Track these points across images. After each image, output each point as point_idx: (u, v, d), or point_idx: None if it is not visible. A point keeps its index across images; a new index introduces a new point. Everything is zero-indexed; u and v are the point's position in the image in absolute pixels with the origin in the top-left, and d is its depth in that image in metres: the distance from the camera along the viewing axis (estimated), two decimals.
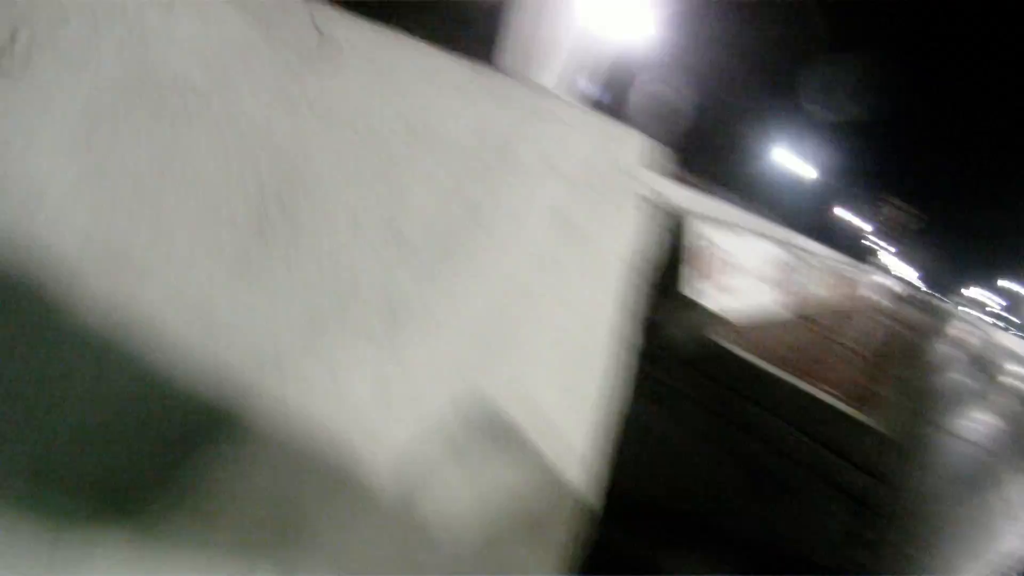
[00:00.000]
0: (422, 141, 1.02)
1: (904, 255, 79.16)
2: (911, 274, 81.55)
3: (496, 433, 1.15)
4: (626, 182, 1.38)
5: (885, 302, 25.59)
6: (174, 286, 0.87)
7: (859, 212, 55.16)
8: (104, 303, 0.83)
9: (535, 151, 1.16)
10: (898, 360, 9.92)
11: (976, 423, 7.29)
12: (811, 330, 8.94)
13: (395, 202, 1.00)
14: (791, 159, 40.82)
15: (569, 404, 1.29)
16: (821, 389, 5.42)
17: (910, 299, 50.22)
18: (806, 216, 46.70)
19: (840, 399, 5.37)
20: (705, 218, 7.11)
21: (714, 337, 5.38)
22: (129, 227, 0.84)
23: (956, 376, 12.18)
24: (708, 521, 2.62)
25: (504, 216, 1.10)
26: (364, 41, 1.03)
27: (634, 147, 1.43)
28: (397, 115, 1.00)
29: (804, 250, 12.90)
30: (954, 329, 31.57)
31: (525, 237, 1.16)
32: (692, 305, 5.67)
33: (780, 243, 10.03)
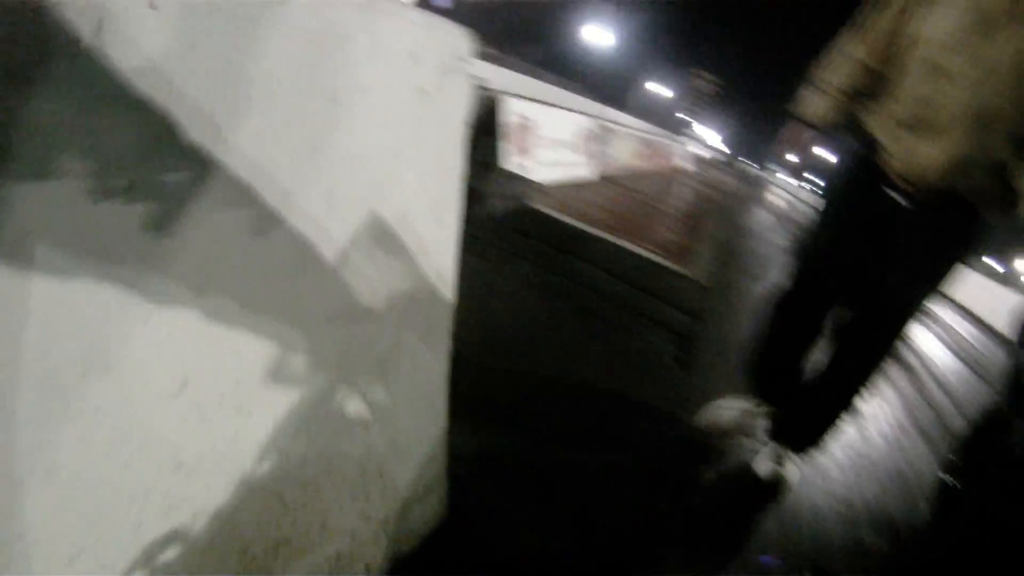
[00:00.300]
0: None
1: (718, 125, 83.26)
2: (724, 143, 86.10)
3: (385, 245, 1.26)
4: (453, 66, 1.40)
5: (697, 169, 26.89)
6: None
7: (671, 86, 57.11)
8: None
9: (374, 40, 1.14)
10: (709, 220, 10.50)
11: (775, 269, 7.84)
12: (627, 196, 9.25)
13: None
14: (605, 37, 41.41)
15: (436, 230, 1.40)
16: (640, 246, 5.63)
17: (721, 166, 53.18)
18: (619, 91, 47.81)
19: (658, 253, 5.62)
20: (521, 97, 7.20)
21: (535, 205, 5.42)
22: None
23: (761, 232, 13.07)
24: (546, 358, 2.79)
25: (360, 93, 1.10)
26: None
27: (455, 35, 1.45)
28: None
29: (617, 123, 13.22)
30: (764, 192, 33.88)
31: (381, 107, 1.19)
32: (511, 176, 5.70)
33: (594, 118, 10.21)
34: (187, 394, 0.91)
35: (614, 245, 5.40)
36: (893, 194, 2.29)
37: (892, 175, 2.29)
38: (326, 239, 1.12)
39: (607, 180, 9.92)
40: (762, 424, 2.67)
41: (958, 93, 2.10)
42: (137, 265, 0.80)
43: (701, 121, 69.42)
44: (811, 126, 2.52)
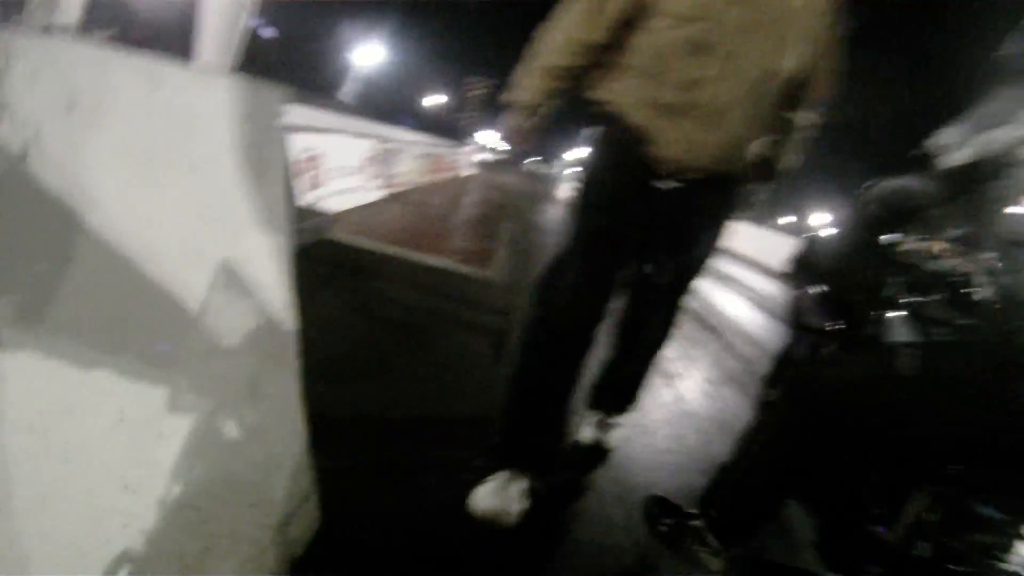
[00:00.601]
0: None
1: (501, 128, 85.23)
2: (503, 144, 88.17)
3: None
4: (269, 120, 1.65)
5: (484, 174, 27.75)
6: None
7: (450, 95, 58.25)
8: None
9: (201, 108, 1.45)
10: (502, 222, 11.10)
11: None
12: (419, 212, 9.69)
13: None
14: (376, 55, 41.47)
15: (273, 270, 1.65)
16: (439, 258, 6.08)
17: (509, 167, 54.73)
18: (399, 108, 48.09)
19: (456, 261, 6.10)
20: (307, 131, 7.37)
21: (334, 236, 5.65)
22: None
23: (555, 227, 13.84)
24: (377, 374, 3.00)
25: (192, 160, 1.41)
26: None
27: (270, 92, 1.68)
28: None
29: (401, 141, 13.58)
30: (552, 188, 35.38)
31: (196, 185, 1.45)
32: (308, 212, 5.87)
33: (379, 139, 10.51)
34: (123, 426, 1.15)
35: (415, 261, 5.73)
36: (661, 184, 2.26)
37: (663, 164, 2.24)
38: (186, 289, 1.37)
39: (397, 199, 10.25)
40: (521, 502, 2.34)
41: (727, 73, 2.12)
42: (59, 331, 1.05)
43: (484, 126, 71.24)
44: (530, 114, 2.32)
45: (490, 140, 77.22)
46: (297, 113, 8.26)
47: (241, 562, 1.47)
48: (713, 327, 6.40)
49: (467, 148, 34.93)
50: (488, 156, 60.26)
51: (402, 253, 5.92)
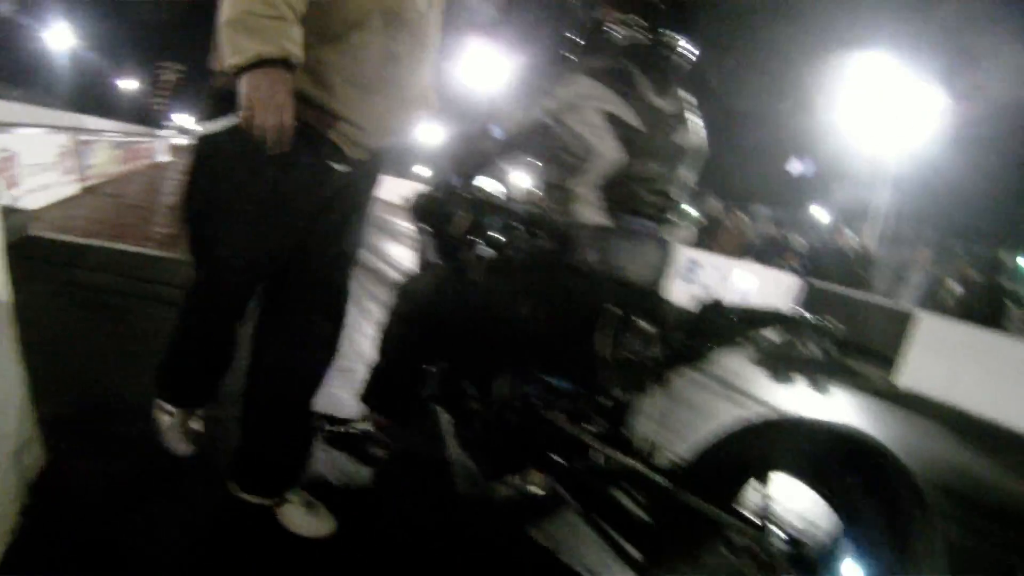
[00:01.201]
0: None
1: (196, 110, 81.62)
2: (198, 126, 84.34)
3: None
4: None
5: (180, 158, 27.16)
6: None
7: (143, 80, 54.68)
8: None
9: None
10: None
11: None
12: (113, 202, 10.08)
13: None
14: (66, 41, 38.14)
15: None
16: (134, 245, 6.72)
17: None
18: (91, 95, 44.58)
19: (152, 247, 6.79)
20: None
21: (35, 232, 6.14)
22: None
23: None
24: (82, 354, 3.42)
25: None
26: None
27: None
28: None
29: (94, 131, 13.51)
30: None
31: None
32: (7, 211, 6.24)
33: (70, 130, 10.51)
34: None
35: (111, 249, 6.25)
36: (339, 165, 2.03)
37: (346, 142, 2.02)
38: None
39: (94, 191, 10.42)
40: None
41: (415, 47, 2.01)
42: None
43: (179, 110, 67.79)
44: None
45: (186, 124, 73.62)
46: None
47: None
48: (389, 279, 7.04)
49: (163, 133, 33.62)
50: (185, 140, 57.60)
51: (98, 244, 6.38)
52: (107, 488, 2.30)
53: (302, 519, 2.21)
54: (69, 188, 9.59)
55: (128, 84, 54.44)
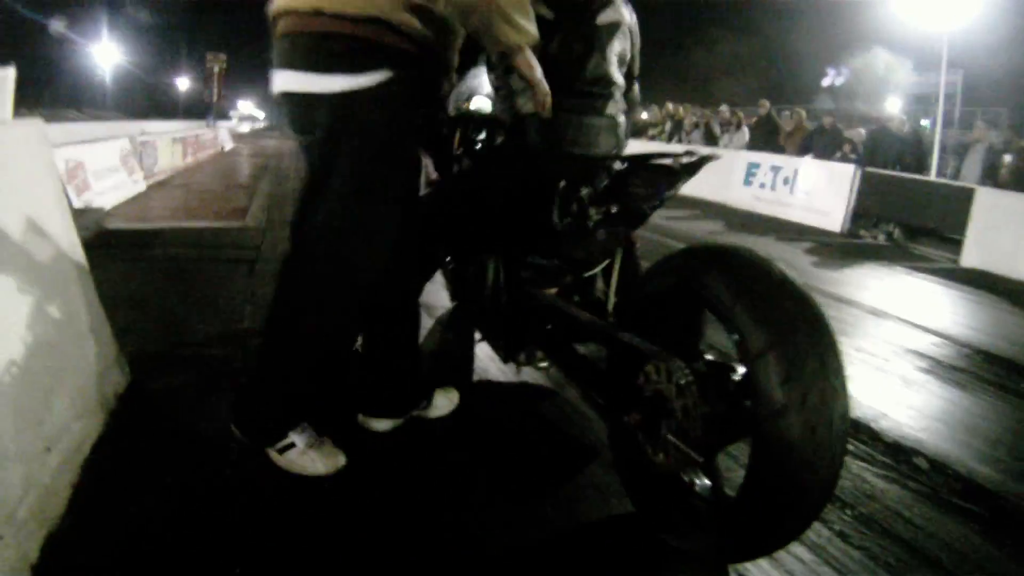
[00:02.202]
0: None
1: (254, 97, 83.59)
2: (263, 110, 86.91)
3: None
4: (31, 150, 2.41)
5: (239, 144, 28.08)
6: None
7: (193, 78, 56.14)
8: None
9: None
10: (262, 181, 12.43)
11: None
12: (183, 191, 10.76)
13: None
14: (112, 56, 39.55)
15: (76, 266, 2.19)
16: (203, 222, 7.39)
17: (268, 131, 53.96)
18: (148, 100, 46.12)
19: (221, 221, 7.42)
20: (66, 144, 8.20)
21: (112, 225, 6.78)
22: None
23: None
24: (169, 308, 3.81)
25: None
26: None
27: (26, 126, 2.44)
28: None
29: (155, 132, 14.27)
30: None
31: None
32: (83, 212, 6.93)
33: (131, 137, 11.18)
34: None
35: (182, 228, 6.89)
36: None
37: None
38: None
39: (162, 185, 11.12)
40: None
41: None
42: None
43: (235, 99, 69.81)
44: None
45: (247, 110, 75.66)
46: (53, 131, 8.98)
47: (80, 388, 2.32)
48: None
49: (225, 123, 34.63)
50: (247, 125, 59.37)
51: (170, 225, 7.01)
52: (182, 398, 2.77)
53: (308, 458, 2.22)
54: (137, 186, 10.20)
55: (183, 82, 56.02)
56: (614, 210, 2.24)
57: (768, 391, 1.51)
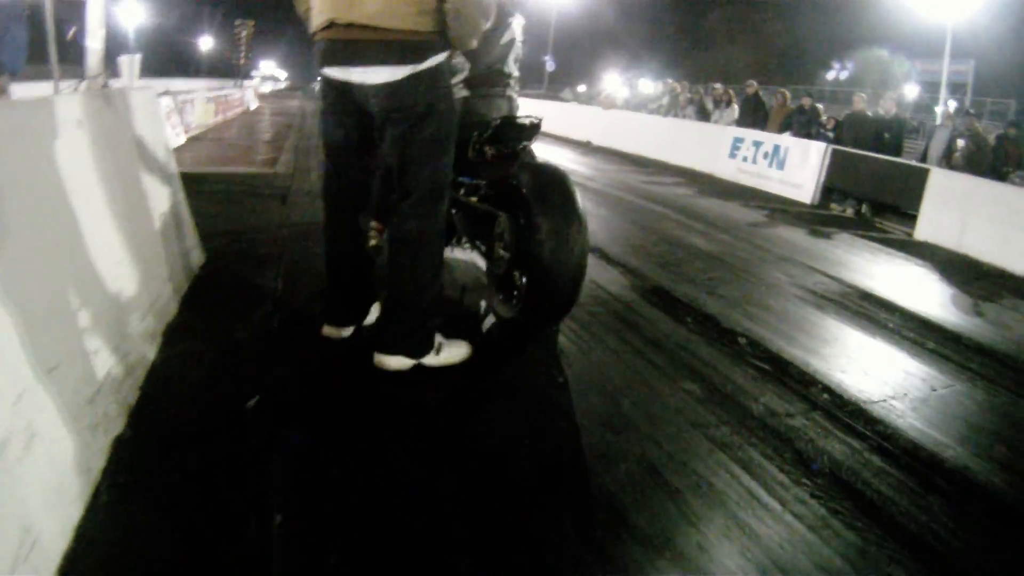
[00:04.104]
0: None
1: (278, 59, 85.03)
2: (286, 71, 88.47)
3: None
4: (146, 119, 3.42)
5: (264, 103, 29.25)
6: None
7: (223, 40, 57.43)
8: None
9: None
10: (288, 135, 13.74)
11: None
12: (218, 143, 12.11)
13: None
14: (138, 15, 40.23)
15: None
16: (241, 167, 8.68)
17: (291, 92, 55.02)
18: (177, 59, 47.03)
19: (254, 167, 8.71)
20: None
21: None
22: None
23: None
24: (212, 221, 4.75)
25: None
26: None
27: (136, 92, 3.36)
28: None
29: (190, 92, 15.39)
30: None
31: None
32: None
33: (171, 94, 12.38)
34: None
35: (221, 172, 8.19)
36: None
37: None
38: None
39: (199, 139, 12.39)
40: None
41: None
42: None
43: (257, 59, 71.27)
44: None
45: (268, 70, 76.97)
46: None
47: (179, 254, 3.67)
48: None
49: (250, 82, 35.73)
50: (269, 86, 60.57)
51: (211, 169, 8.31)
52: (242, 271, 4.01)
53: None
54: (179, 139, 11.52)
55: (206, 42, 57.32)
56: (499, 149, 3.54)
57: (538, 228, 3.07)
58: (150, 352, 2.75)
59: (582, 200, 3.15)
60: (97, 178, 2.60)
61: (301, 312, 3.49)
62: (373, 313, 3.26)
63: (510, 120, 3.52)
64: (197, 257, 3.99)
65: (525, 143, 3.59)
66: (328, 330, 3.14)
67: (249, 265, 4.16)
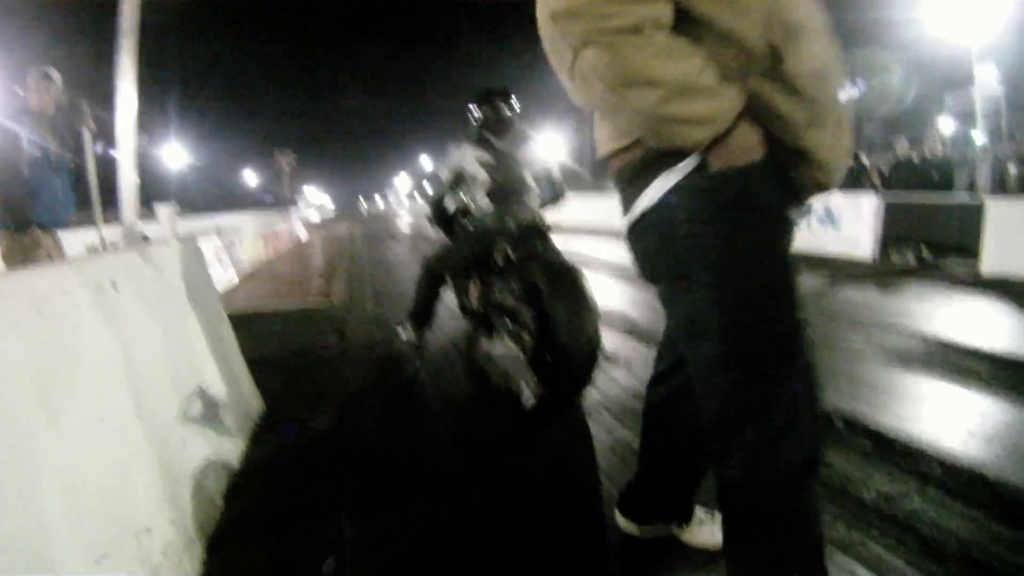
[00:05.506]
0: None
1: (322, 185, 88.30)
2: (332, 199, 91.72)
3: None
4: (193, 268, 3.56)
5: (314, 233, 29.93)
6: None
7: (264, 172, 59.93)
8: None
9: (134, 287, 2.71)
10: (340, 263, 13.85)
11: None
12: (272, 279, 12.19)
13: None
14: (181, 158, 41.89)
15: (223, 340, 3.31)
16: (297, 302, 8.73)
17: (340, 218, 56.62)
18: (224, 195, 48.84)
19: (308, 301, 8.77)
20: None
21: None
22: None
23: (399, 247, 16.55)
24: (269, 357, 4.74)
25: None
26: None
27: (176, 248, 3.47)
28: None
29: (238, 229, 15.73)
30: (388, 223, 37.55)
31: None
32: None
33: (219, 234, 12.58)
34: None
35: (277, 310, 8.20)
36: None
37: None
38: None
39: (252, 277, 12.52)
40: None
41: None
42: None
43: (299, 183, 73.68)
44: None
45: (313, 196, 79.52)
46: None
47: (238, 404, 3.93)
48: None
49: (297, 213, 36.74)
50: (317, 214, 62.49)
51: (266, 307, 8.36)
52: (304, 424, 3.87)
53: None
54: (231, 279, 11.70)
55: (250, 176, 59.92)
56: (523, 254, 4.09)
57: (554, 316, 3.57)
58: (211, 519, 2.66)
59: (590, 291, 3.68)
60: (142, 344, 2.59)
61: (369, 457, 3.40)
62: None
63: (529, 227, 4.26)
64: (255, 407, 3.89)
65: (540, 244, 4.22)
66: (625, 523, 2.50)
67: (309, 410, 4.04)
